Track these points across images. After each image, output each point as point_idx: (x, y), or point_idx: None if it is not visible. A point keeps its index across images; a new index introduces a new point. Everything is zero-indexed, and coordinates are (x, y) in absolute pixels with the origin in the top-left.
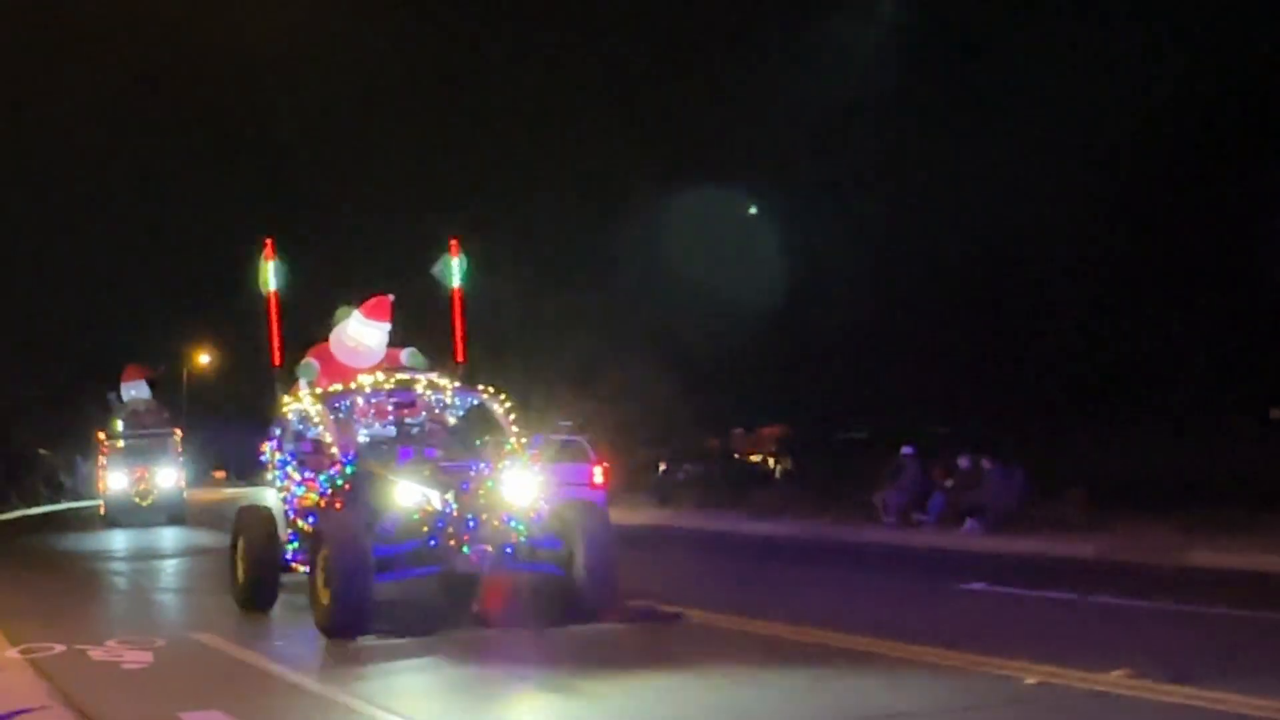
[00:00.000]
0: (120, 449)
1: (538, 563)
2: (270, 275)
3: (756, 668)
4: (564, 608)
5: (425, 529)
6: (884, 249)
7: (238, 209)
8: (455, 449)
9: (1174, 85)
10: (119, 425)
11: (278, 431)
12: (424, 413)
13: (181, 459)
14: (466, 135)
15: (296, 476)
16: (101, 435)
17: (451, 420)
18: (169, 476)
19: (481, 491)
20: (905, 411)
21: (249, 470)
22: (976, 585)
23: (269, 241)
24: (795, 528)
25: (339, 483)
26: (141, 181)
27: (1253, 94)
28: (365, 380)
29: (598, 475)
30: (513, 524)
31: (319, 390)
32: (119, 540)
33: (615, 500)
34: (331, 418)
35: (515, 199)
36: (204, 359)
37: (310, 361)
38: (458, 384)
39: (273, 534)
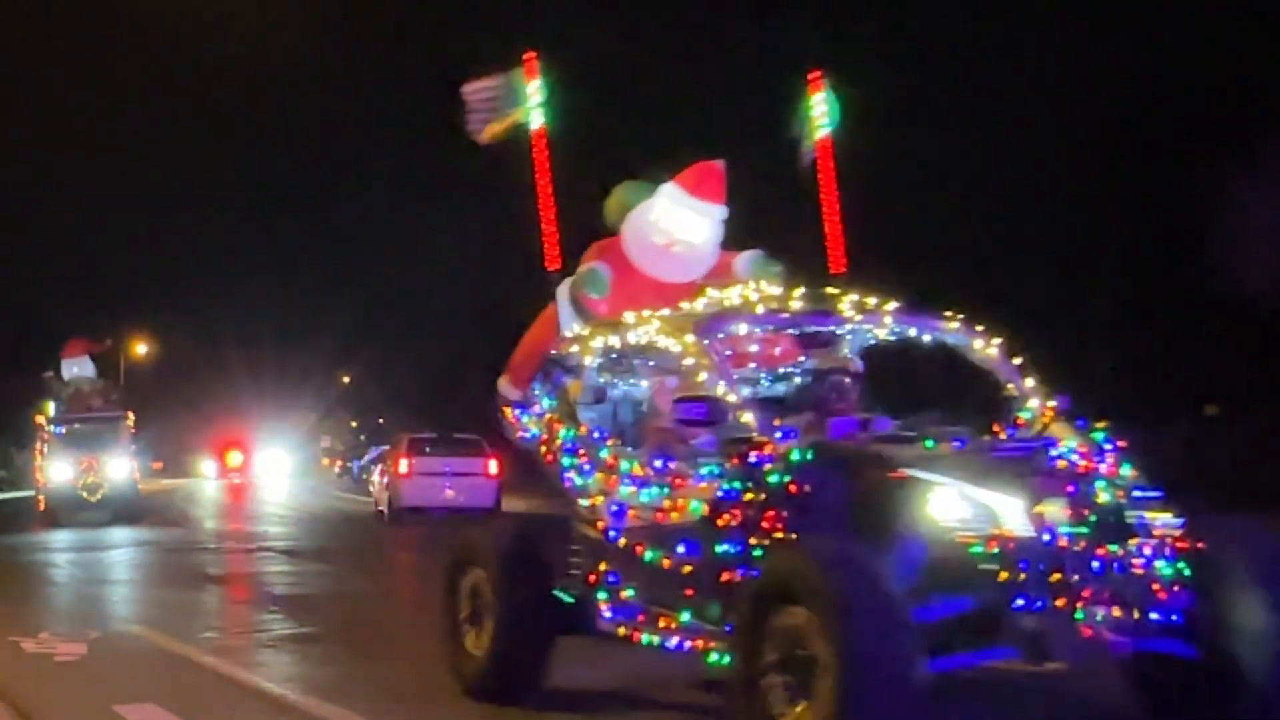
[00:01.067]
0: (62, 435)
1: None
2: (531, 99)
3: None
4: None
5: (998, 574)
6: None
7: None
8: (912, 417)
9: (1121, 88)
10: (57, 408)
11: (543, 391)
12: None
13: (134, 448)
14: None
15: (630, 466)
16: (41, 419)
17: (853, 368)
18: (121, 467)
19: (1101, 501)
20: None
21: (185, 463)
22: None
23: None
24: None
25: (777, 480)
26: (84, 155)
27: (1193, 87)
28: (744, 294)
29: (493, 467)
30: (1158, 563)
31: (602, 320)
32: (56, 533)
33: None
34: (718, 361)
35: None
36: (141, 348)
37: (597, 268)
38: (897, 306)
39: (547, 572)
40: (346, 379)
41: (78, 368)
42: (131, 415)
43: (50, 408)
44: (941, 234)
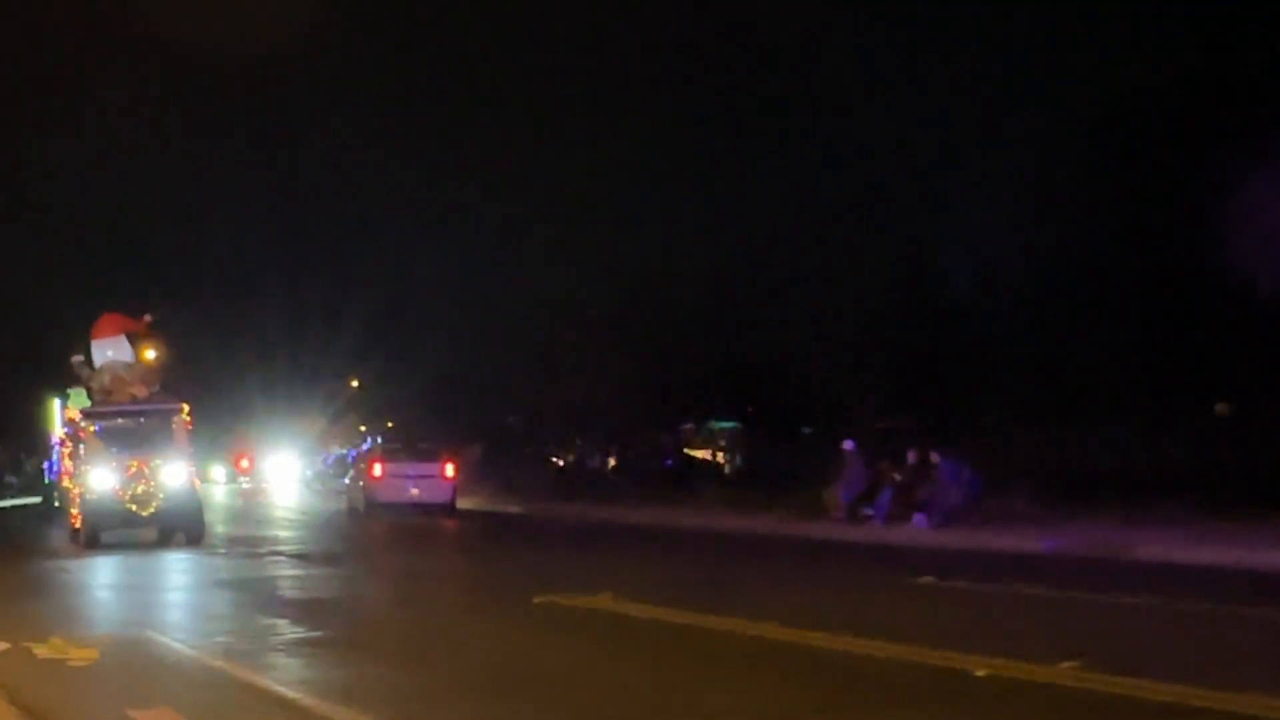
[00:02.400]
0: (102, 434)
1: None
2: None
3: (703, 663)
4: None
5: None
6: (833, 244)
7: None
8: None
9: (1121, 81)
10: (87, 402)
11: None
12: None
13: (192, 448)
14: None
15: None
16: (73, 414)
17: None
18: (177, 473)
19: None
20: (854, 407)
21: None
22: (925, 579)
23: None
24: (743, 523)
25: None
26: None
27: (1201, 87)
28: None
29: (450, 470)
30: None
31: None
32: (61, 535)
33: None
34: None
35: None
36: (150, 353)
37: None
38: None
39: None
40: (355, 383)
41: (112, 350)
42: (186, 407)
43: (83, 400)
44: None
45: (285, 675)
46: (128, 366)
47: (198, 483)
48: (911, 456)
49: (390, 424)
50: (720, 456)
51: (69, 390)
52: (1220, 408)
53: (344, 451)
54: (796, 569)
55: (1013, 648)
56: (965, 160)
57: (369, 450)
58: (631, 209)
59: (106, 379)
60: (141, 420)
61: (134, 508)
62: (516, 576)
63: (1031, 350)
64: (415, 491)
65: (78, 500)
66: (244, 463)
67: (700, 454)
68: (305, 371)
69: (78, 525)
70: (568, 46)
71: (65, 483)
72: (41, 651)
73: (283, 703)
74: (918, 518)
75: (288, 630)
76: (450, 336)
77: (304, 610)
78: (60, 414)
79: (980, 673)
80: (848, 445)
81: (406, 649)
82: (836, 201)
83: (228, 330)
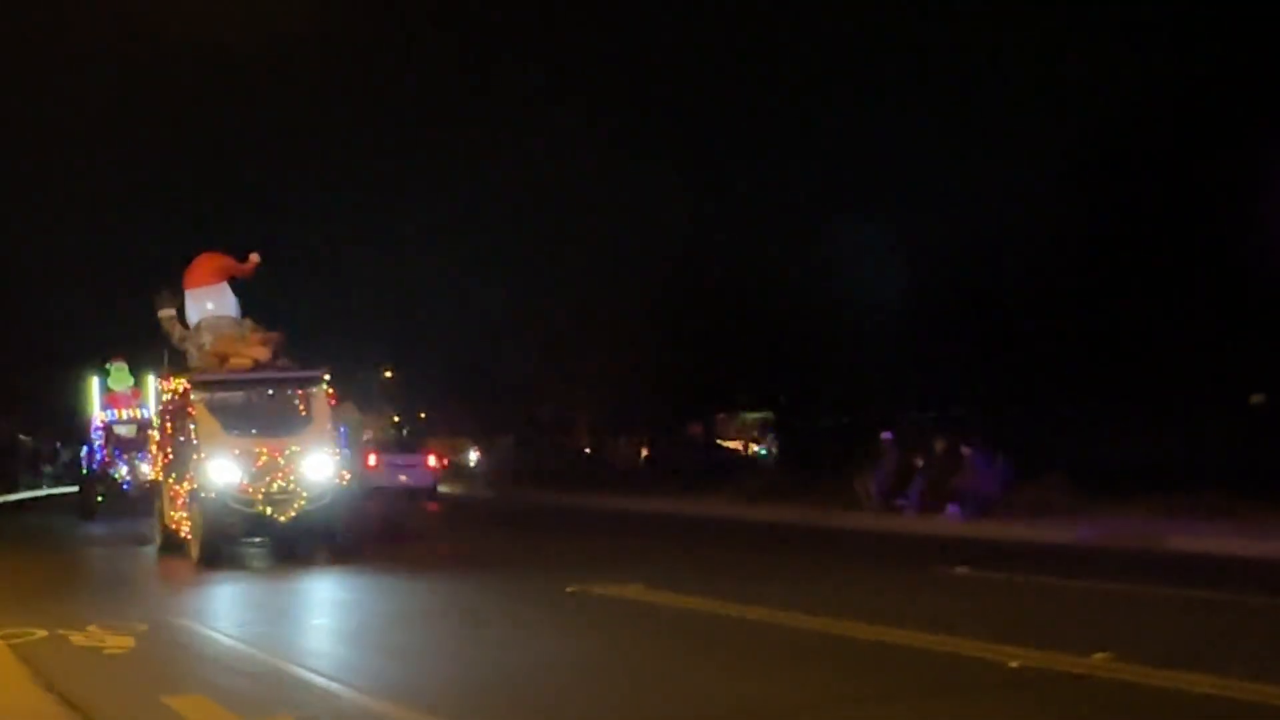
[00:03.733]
0: (220, 413)
1: None
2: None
3: (737, 653)
4: None
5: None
6: (865, 235)
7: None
8: None
9: (1156, 67)
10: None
11: None
12: None
13: (344, 428)
14: None
15: None
16: (172, 385)
17: None
18: (323, 465)
19: None
20: (887, 397)
21: None
22: (959, 569)
23: None
24: (776, 513)
25: None
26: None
27: (1236, 76)
28: None
29: (432, 461)
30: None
31: None
32: (99, 525)
33: (599, 485)
34: None
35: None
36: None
37: None
38: None
39: None
40: (389, 373)
41: (213, 302)
42: (327, 377)
43: (119, 377)
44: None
45: (322, 664)
46: (236, 322)
47: (346, 476)
48: (940, 446)
49: (423, 415)
50: (753, 447)
51: (110, 366)
52: (1256, 398)
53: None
54: (829, 559)
55: (1046, 638)
56: (993, 144)
57: (365, 443)
58: (665, 195)
59: (208, 339)
60: (271, 393)
61: (268, 511)
62: (549, 565)
63: (1065, 341)
64: (403, 478)
65: (180, 501)
66: None
67: (732, 444)
68: (336, 359)
69: (183, 533)
70: (591, 25)
71: (123, 473)
72: (77, 639)
73: (319, 691)
74: (951, 508)
75: (324, 617)
76: (481, 326)
77: (340, 598)
78: (100, 394)
79: (1014, 663)
80: (886, 436)
81: (442, 640)
82: (863, 190)
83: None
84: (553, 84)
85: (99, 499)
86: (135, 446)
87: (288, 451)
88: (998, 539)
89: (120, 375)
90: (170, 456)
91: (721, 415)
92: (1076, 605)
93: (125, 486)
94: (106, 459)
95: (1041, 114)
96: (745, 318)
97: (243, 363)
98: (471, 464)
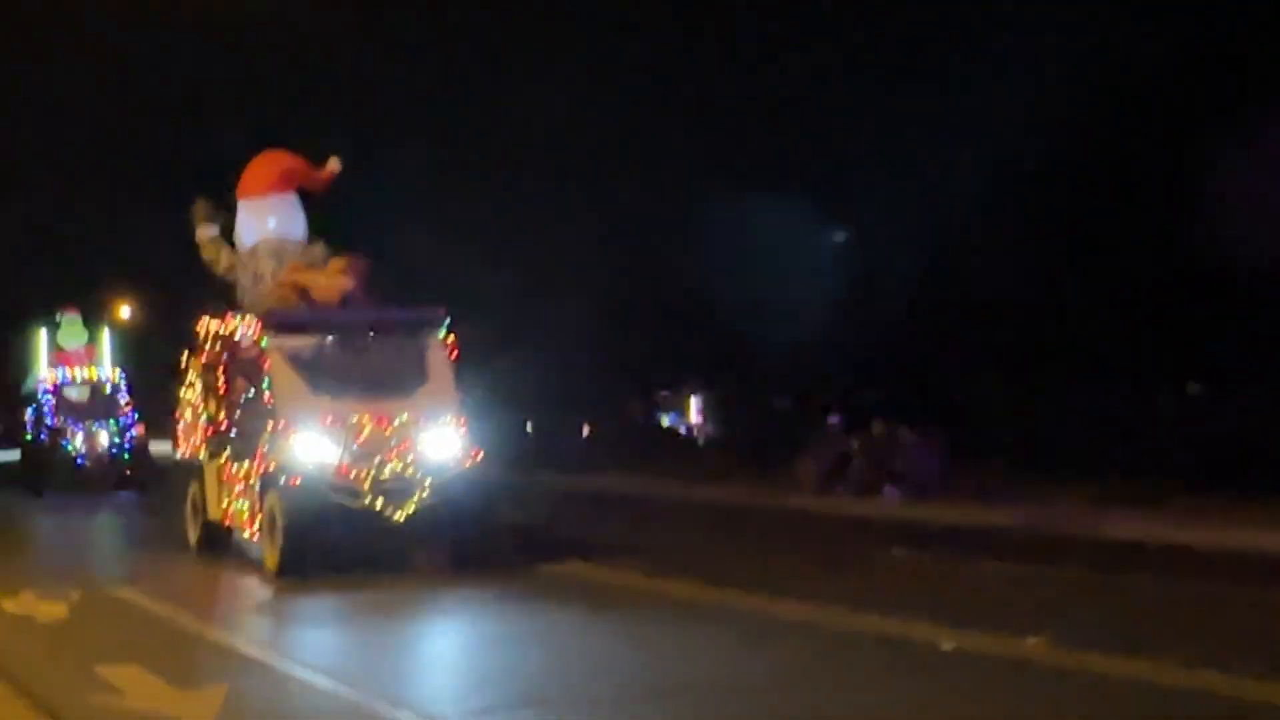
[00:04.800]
0: (297, 366)
1: None
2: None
3: (673, 629)
4: None
5: None
6: (803, 211)
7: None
8: None
9: (1099, 53)
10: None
11: None
12: None
13: (461, 394)
14: None
15: None
16: (238, 324)
17: None
18: (448, 441)
19: None
20: (829, 379)
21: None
22: (896, 551)
23: None
24: (715, 492)
25: None
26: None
27: (1180, 61)
28: None
29: None
30: None
31: None
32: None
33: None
34: None
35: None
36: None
37: None
38: None
39: None
40: None
41: (276, 218)
42: (445, 314)
43: (71, 331)
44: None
45: (255, 635)
46: (306, 246)
47: (479, 455)
48: (878, 428)
49: None
50: (694, 427)
51: (60, 318)
52: (1193, 387)
53: None
54: (767, 539)
55: (980, 621)
56: (942, 117)
57: None
58: (608, 172)
59: (269, 267)
60: (371, 339)
61: (379, 505)
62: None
63: (1005, 326)
64: None
65: (239, 489)
66: None
67: (676, 423)
68: None
69: (245, 532)
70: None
71: (77, 444)
72: (10, 607)
73: (251, 661)
74: (889, 490)
75: (260, 591)
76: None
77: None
78: (48, 351)
79: (947, 645)
80: (833, 420)
81: (377, 616)
82: (803, 164)
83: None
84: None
85: (40, 474)
86: (90, 413)
87: (399, 422)
88: (935, 522)
89: (72, 329)
90: (220, 426)
91: (665, 394)
92: (1012, 589)
93: (79, 461)
94: (57, 426)
95: (983, 88)
96: (688, 294)
97: (328, 296)
98: None
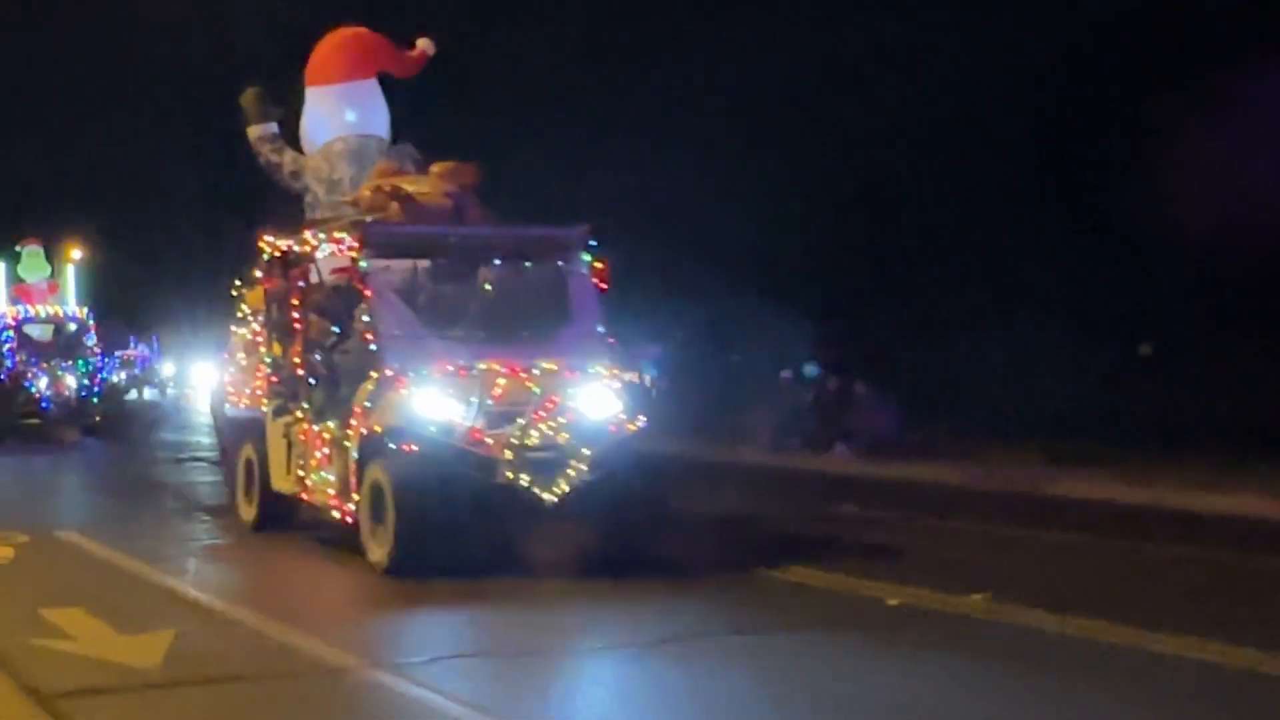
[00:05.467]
0: (402, 296)
1: None
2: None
3: (609, 584)
4: None
5: None
6: (758, 168)
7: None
8: None
9: (1057, 19)
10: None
11: None
12: None
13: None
14: None
15: None
16: (321, 238)
17: None
18: (603, 399)
19: None
20: (781, 335)
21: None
22: (845, 507)
23: None
24: (665, 447)
25: None
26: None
27: (1136, 20)
28: None
29: None
30: None
31: None
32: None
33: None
34: None
35: None
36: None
37: None
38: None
39: None
40: None
41: (355, 110)
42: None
43: (33, 263)
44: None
45: (199, 579)
46: (393, 147)
47: (642, 420)
48: (832, 383)
49: None
50: (646, 380)
51: (21, 249)
52: (1144, 348)
53: None
54: (716, 494)
55: (926, 578)
56: (883, 75)
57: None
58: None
59: (347, 172)
60: (500, 265)
61: (525, 481)
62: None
63: (959, 285)
64: None
65: (321, 454)
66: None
67: (626, 377)
68: (227, 282)
69: (326, 509)
70: None
71: (41, 386)
72: None
73: (193, 604)
74: (839, 446)
75: (205, 535)
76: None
77: (221, 516)
78: (7, 284)
79: (892, 601)
80: (786, 374)
81: (308, 557)
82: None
83: (151, 234)
84: None
85: (20, 417)
86: (55, 353)
87: (540, 372)
88: (885, 479)
89: (34, 261)
90: (292, 374)
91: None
92: (958, 546)
93: (44, 405)
94: (19, 367)
95: (934, 40)
96: (639, 250)
97: (431, 198)
98: None
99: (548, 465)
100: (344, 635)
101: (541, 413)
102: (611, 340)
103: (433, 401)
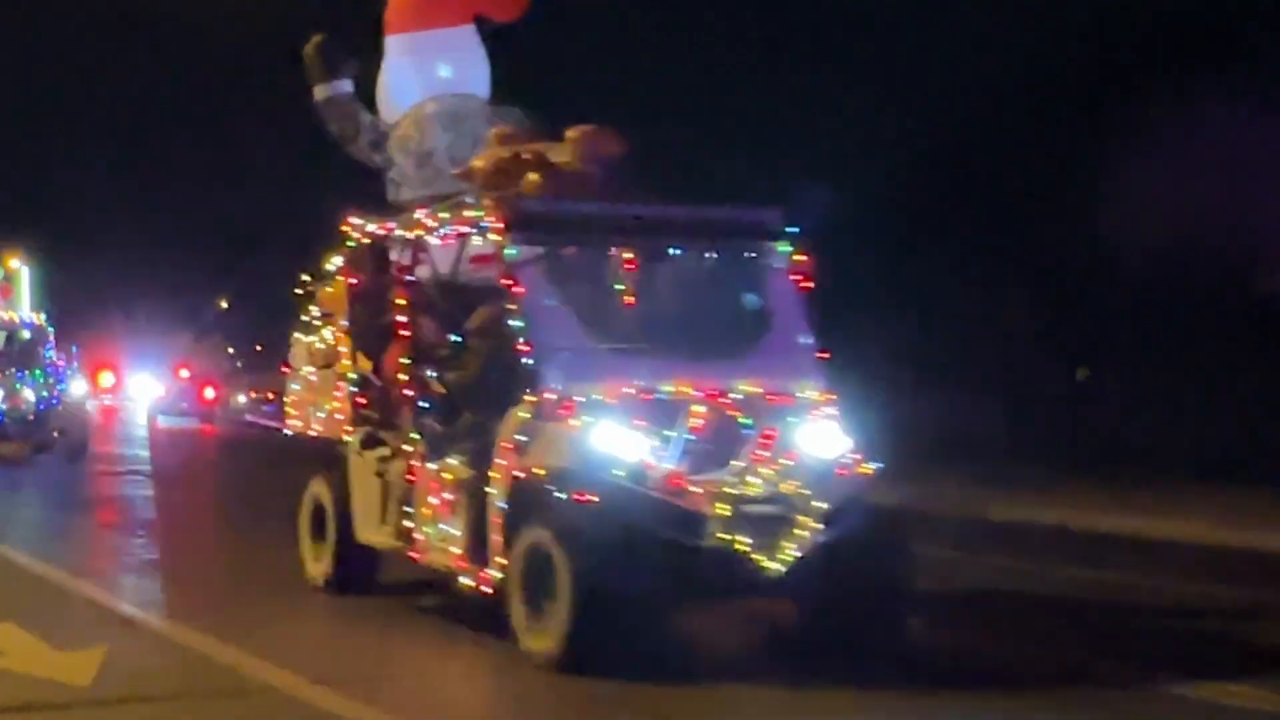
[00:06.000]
0: (564, 295)
1: None
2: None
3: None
4: None
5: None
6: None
7: None
8: None
9: (1004, 42)
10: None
11: None
12: None
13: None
14: None
15: None
16: (444, 215)
17: None
18: (828, 434)
19: None
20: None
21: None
22: None
23: None
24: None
25: None
26: None
27: (1083, 42)
28: None
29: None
30: None
31: None
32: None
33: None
34: None
35: None
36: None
37: None
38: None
39: None
40: (225, 303)
41: (449, 63)
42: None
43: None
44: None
45: (135, 595)
46: (496, 112)
47: (872, 466)
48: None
49: (260, 347)
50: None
51: None
52: (1081, 373)
53: None
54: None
55: None
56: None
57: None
58: None
59: (441, 140)
60: (678, 257)
61: (743, 544)
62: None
63: (896, 309)
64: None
65: (442, 496)
66: (105, 378)
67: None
68: (167, 291)
69: (471, 580)
70: None
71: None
72: None
73: (128, 622)
74: None
75: (141, 550)
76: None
77: (158, 531)
78: None
79: None
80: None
81: (257, 573)
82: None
83: (86, 243)
84: None
85: None
86: (10, 362)
87: (744, 400)
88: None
89: None
90: (392, 394)
91: None
92: None
93: None
94: None
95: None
96: None
97: (588, 177)
98: None
99: (771, 523)
100: (286, 653)
101: (761, 452)
102: (823, 354)
103: (618, 436)
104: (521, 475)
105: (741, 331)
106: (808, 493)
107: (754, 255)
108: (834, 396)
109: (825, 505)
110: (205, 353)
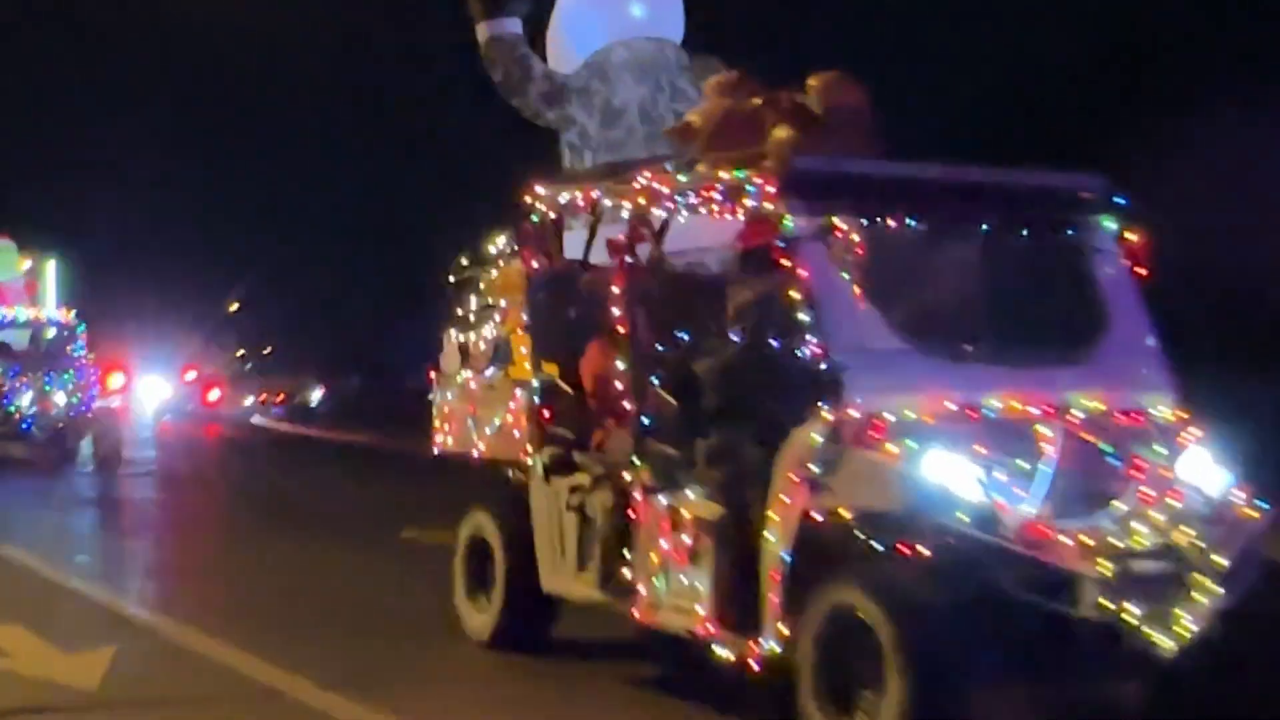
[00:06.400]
0: (881, 288)
1: None
2: None
3: None
4: None
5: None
6: None
7: None
8: None
9: (1002, 37)
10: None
11: None
12: None
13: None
14: None
15: None
16: (736, 192)
17: None
18: (1200, 465)
19: None
20: None
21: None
22: None
23: None
24: None
25: None
26: None
27: (1094, 46)
28: None
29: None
30: None
31: None
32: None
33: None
34: None
35: None
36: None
37: None
38: None
39: None
40: (234, 306)
41: (643, 6)
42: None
43: None
44: None
45: (145, 598)
46: (693, 61)
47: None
48: None
49: (269, 349)
50: None
51: None
52: None
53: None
54: None
55: None
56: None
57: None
58: None
59: (633, 93)
60: (985, 234)
61: (1124, 609)
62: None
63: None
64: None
65: (677, 539)
66: (115, 380)
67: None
68: (178, 294)
69: (728, 647)
70: None
71: (23, 404)
72: None
73: (138, 626)
74: None
75: (150, 552)
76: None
77: (168, 532)
78: None
79: None
80: None
81: (264, 573)
82: None
83: (100, 243)
84: None
85: None
86: (37, 364)
87: (1092, 419)
88: None
89: (5, 259)
90: (603, 401)
91: None
92: None
93: (26, 426)
94: None
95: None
96: None
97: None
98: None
99: (1163, 585)
100: (294, 657)
101: (1147, 490)
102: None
103: (955, 468)
104: (822, 517)
105: (1072, 331)
106: (1202, 545)
107: (1076, 231)
108: (1189, 414)
109: (1224, 561)
110: (214, 355)
